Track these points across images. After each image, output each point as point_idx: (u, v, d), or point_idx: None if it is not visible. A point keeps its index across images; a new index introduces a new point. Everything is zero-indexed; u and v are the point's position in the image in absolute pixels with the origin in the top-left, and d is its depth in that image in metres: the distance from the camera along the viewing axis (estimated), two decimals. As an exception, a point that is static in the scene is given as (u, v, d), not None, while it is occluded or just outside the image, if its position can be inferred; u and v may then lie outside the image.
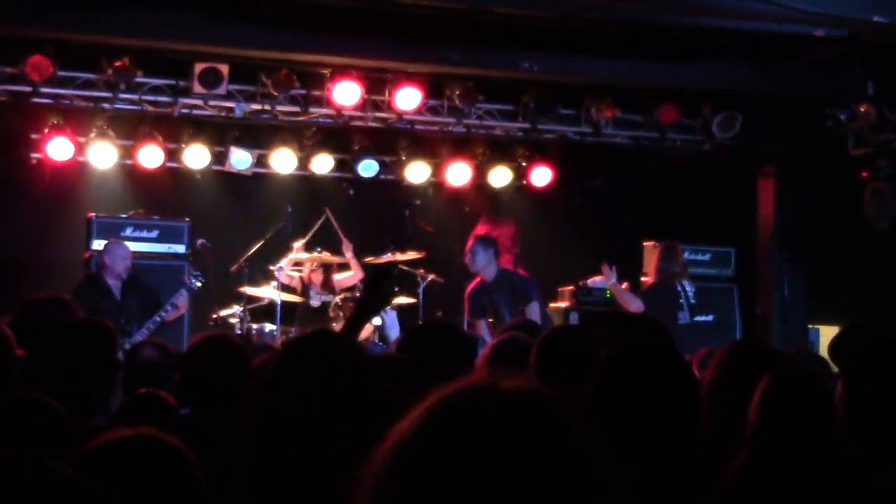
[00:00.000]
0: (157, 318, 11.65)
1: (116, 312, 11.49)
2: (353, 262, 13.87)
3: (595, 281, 14.00)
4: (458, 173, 15.38)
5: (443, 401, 1.70)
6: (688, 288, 12.47)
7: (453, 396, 1.70)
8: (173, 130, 14.37)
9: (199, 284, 12.13)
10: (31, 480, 2.01)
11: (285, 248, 13.78)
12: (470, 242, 12.96)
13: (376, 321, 13.12)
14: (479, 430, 1.64)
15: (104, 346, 5.47)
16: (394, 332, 12.81)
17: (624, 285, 12.82)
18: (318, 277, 13.91)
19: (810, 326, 14.22)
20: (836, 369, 7.03)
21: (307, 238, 13.90)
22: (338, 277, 13.92)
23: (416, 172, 15.31)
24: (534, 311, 12.25)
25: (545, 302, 13.43)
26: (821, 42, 11.82)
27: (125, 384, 5.81)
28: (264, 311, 13.80)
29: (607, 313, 13.35)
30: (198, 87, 12.90)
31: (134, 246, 13.07)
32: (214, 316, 13.23)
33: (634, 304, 12.14)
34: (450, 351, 5.10)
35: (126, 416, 5.28)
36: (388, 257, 13.69)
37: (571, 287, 14.38)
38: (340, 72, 13.12)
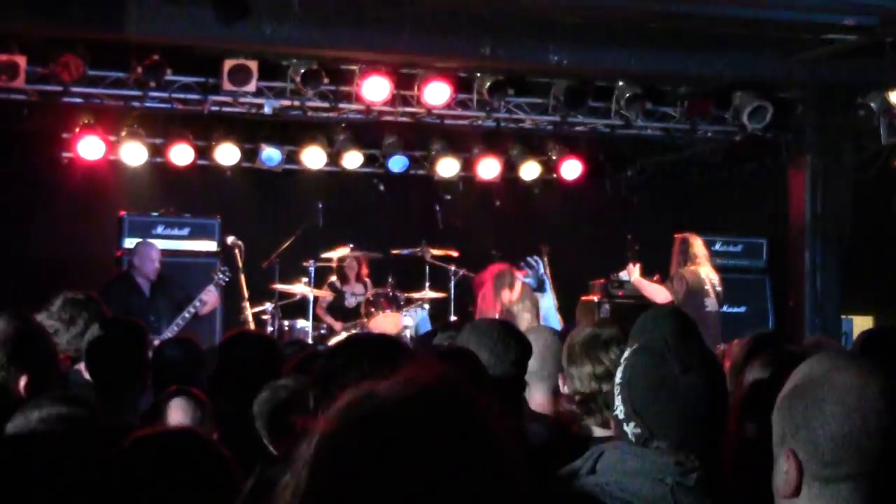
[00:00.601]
0: (186, 315, 11.69)
1: (146, 310, 11.55)
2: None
3: (625, 274, 13.99)
4: (488, 167, 15.43)
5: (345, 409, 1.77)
6: (712, 276, 12.51)
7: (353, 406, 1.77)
8: (203, 128, 14.46)
9: (226, 280, 12.18)
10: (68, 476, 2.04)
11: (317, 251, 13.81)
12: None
13: (407, 321, 13.19)
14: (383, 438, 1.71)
15: (135, 345, 5.51)
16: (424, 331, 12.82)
17: (655, 277, 12.85)
18: (352, 270, 14.01)
19: (843, 317, 14.18)
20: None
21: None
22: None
23: (446, 167, 15.37)
24: None
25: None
26: (851, 30, 11.79)
27: (152, 382, 5.89)
28: (296, 308, 13.85)
29: (639, 306, 13.31)
30: (227, 85, 12.91)
31: (165, 244, 13.15)
32: (245, 313, 13.27)
33: (660, 296, 12.21)
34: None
35: (158, 413, 5.32)
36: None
37: (602, 280, 14.37)
38: (369, 67, 13.13)
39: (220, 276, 12.14)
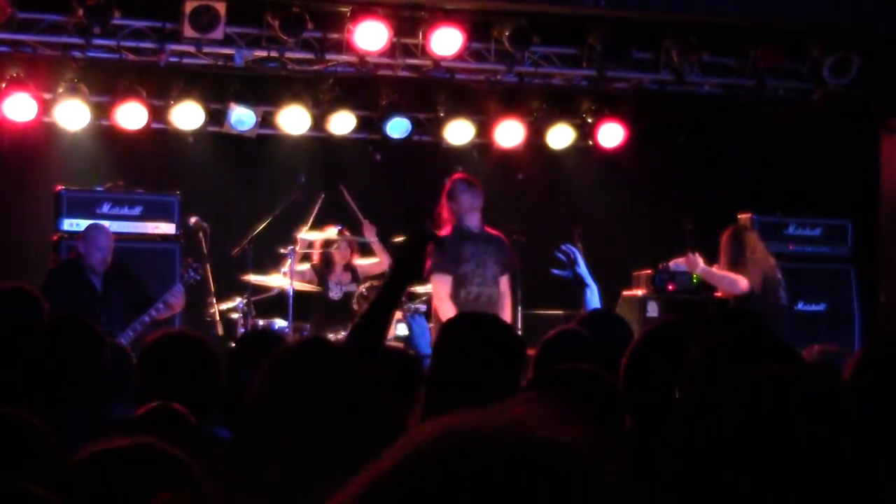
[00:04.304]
0: (146, 319, 11.62)
1: (97, 308, 11.44)
2: (378, 247, 13.75)
3: (678, 263, 13.87)
4: (509, 132, 15.34)
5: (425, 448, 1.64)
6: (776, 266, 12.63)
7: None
8: (160, 84, 14.37)
9: (197, 278, 12.10)
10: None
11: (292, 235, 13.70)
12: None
13: (402, 330, 13.09)
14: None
15: (88, 350, 5.38)
16: (424, 342, 12.74)
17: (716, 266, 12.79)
18: (340, 257, 13.93)
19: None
20: None
21: (309, 223, 13.75)
22: (360, 263, 13.86)
23: (458, 132, 15.28)
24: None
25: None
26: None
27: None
28: (273, 304, 13.76)
29: (694, 302, 13.23)
30: (189, 31, 12.88)
31: (113, 226, 13.07)
32: (212, 310, 13.17)
33: (741, 284, 12.30)
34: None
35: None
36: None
37: (649, 271, 14.28)
38: (363, 9, 13.07)
39: (191, 273, 12.07)
